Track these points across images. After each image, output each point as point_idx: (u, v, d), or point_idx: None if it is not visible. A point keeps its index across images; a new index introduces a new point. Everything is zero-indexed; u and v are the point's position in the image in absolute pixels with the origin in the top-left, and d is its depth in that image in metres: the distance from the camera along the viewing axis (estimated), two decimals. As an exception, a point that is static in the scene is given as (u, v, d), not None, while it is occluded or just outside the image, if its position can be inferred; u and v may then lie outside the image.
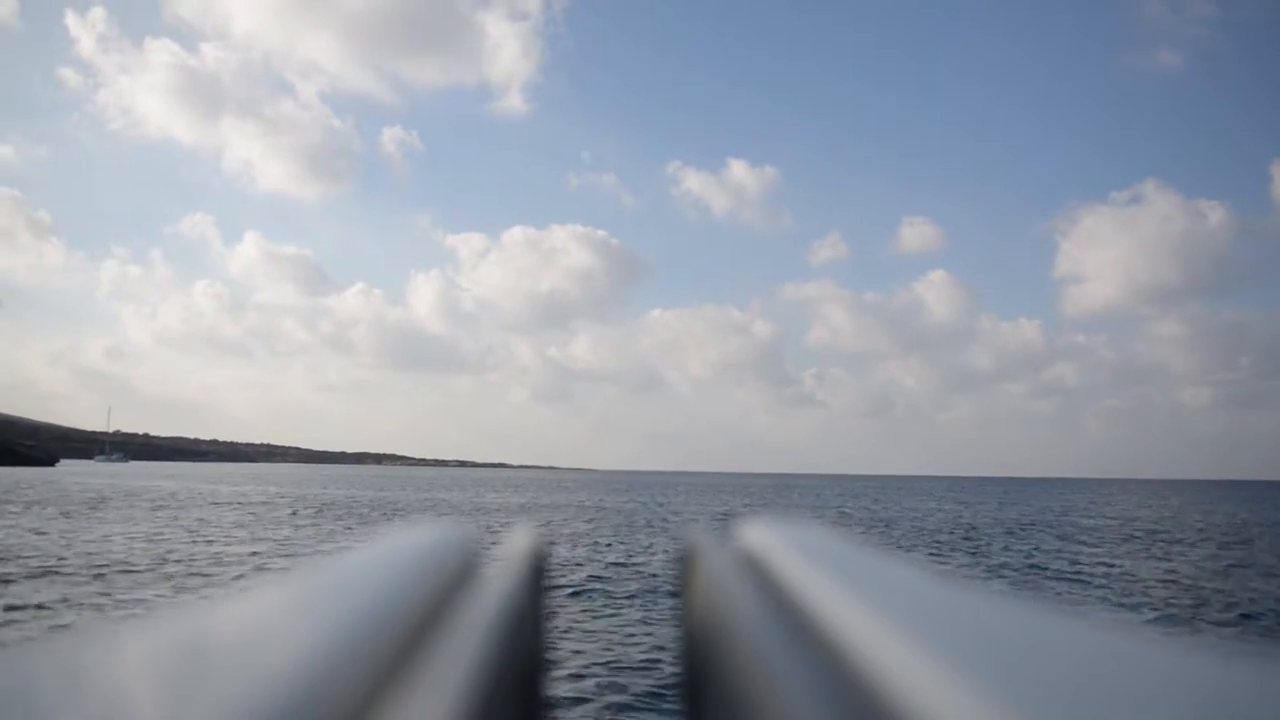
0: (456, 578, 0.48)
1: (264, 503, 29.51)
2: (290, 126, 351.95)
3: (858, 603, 0.33)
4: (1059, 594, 10.98)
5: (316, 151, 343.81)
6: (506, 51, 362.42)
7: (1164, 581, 12.35)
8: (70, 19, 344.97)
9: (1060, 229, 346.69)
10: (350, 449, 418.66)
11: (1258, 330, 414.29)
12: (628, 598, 9.59)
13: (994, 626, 0.30)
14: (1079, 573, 13.27)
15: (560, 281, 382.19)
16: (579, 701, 5.59)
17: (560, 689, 5.77)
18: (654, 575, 11.36)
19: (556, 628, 7.80)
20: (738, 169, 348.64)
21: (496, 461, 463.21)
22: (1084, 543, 19.06)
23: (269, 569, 11.96)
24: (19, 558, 12.28)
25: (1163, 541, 19.69)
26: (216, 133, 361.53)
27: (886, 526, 23.56)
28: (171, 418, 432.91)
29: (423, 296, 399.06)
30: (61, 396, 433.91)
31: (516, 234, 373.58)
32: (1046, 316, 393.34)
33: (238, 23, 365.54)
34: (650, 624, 8.11)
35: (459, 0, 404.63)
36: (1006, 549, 17.19)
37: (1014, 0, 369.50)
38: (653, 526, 21.35)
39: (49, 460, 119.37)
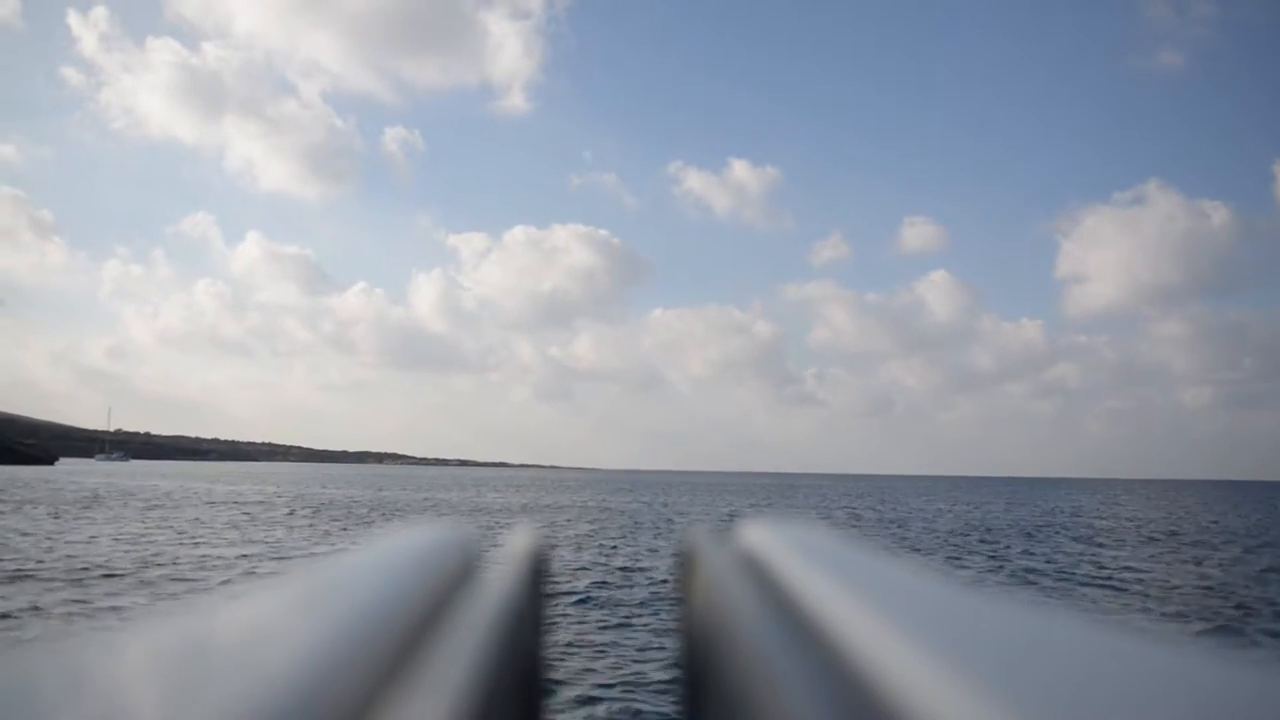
0: (456, 578, 0.48)
1: (260, 502, 28.96)
2: (292, 126, 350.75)
3: (858, 603, 0.33)
4: (1095, 603, 10.35)
5: (318, 151, 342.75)
6: (508, 51, 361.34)
7: (1202, 588, 11.75)
8: (72, 18, 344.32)
9: (1062, 229, 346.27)
10: (351, 448, 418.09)
11: (1260, 330, 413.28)
12: (637, 605, 9.07)
13: (994, 626, 0.30)
14: (1109, 578, 12.66)
15: (562, 281, 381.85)
16: (579, 703, 5.52)
17: (560, 690, 5.72)
18: (663, 581, 10.78)
19: (558, 631, 7.64)
20: (739, 169, 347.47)
21: (498, 461, 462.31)
22: (1104, 545, 18.53)
23: (256, 574, 11.38)
24: (-5, 561, 11.71)
25: (1186, 544, 19.11)
26: (218, 132, 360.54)
27: (899, 528, 23.03)
28: (173, 417, 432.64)
29: (424, 296, 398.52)
30: (63, 395, 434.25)
31: (518, 233, 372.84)
32: (1048, 316, 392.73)
33: (239, 22, 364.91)
34: (657, 631, 7.75)
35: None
36: (1026, 552, 16.61)
37: (1014, 0, 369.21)
38: (658, 528, 20.76)
39: (48, 459, 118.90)
